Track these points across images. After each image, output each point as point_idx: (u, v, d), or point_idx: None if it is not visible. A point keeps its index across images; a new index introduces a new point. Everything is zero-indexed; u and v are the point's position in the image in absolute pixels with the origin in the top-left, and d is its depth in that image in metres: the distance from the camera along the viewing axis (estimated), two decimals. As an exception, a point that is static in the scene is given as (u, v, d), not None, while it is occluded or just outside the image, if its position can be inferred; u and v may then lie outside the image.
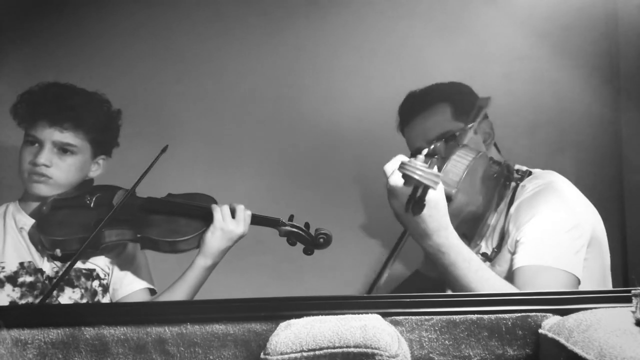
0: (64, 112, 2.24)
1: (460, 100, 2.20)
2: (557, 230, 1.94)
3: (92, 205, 2.26)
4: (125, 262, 2.29)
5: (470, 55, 2.81)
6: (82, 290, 2.21)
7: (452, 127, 2.15)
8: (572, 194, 2.04)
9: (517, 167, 2.15)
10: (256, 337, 1.54)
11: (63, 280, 2.18)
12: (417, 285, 2.38)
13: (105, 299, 2.24)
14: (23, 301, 2.17)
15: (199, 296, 2.21)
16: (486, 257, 2.06)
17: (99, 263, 2.25)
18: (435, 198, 1.66)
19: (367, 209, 2.99)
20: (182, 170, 2.86)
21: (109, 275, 2.26)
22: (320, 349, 1.37)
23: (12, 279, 2.19)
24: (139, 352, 1.56)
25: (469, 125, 2.04)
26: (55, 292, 2.18)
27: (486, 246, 2.11)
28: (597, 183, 2.74)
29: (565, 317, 1.46)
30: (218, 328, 1.55)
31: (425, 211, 1.60)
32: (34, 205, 2.28)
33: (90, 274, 2.23)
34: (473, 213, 2.01)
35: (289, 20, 2.97)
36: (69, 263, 2.08)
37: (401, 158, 1.66)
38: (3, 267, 2.20)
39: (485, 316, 1.52)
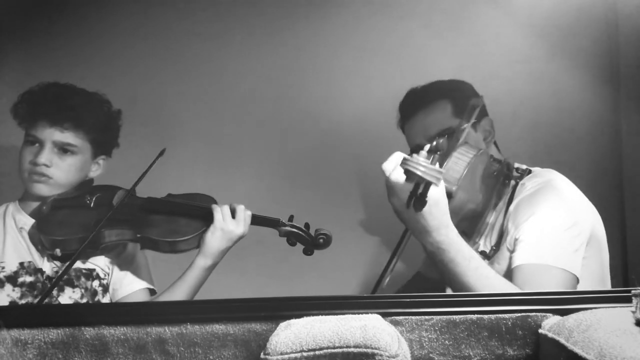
0: (64, 112, 2.25)
1: (461, 98, 2.20)
2: (556, 229, 1.94)
3: (92, 205, 2.26)
4: (125, 262, 2.29)
5: (470, 55, 2.81)
6: (82, 290, 2.21)
7: (453, 124, 2.15)
8: (571, 193, 2.05)
9: (516, 165, 2.15)
10: (256, 337, 1.54)
11: (63, 280, 2.18)
12: (419, 287, 2.38)
13: (106, 299, 2.24)
14: (23, 301, 2.17)
15: (199, 296, 2.21)
16: (485, 255, 2.06)
17: (99, 263, 2.25)
18: (437, 195, 1.65)
19: (367, 208, 2.99)
20: (182, 171, 2.86)
21: (109, 275, 2.26)
22: (320, 349, 1.37)
23: (12, 279, 2.19)
24: (139, 352, 1.56)
25: (463, 127, 2.04)
26: (55, 292, 2.18)
27: (485, 244, 2.11)
28: (597, 183, 2.74)
29: (565, 317, 1.46)
30: (218, 328, 1.55)
31: (425, 208, 1.60)
32: (34, 205, 2.28)
33: (90, 274, 2.23)
34: (473, 211, 2.01)
35: (289, 20, 2.97)
36: (67, 263, 2.08)
37: (399, 155, 1.66)
38: (3, 267, 2.20)
39: (485, 316, 1.52)
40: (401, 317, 1.53)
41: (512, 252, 1.97)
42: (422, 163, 1.51)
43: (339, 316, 1.47)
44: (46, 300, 2.14)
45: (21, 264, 2.21)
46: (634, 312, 1.40)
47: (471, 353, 1.52)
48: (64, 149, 2.25)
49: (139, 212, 2.23)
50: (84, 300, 2.20)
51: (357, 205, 3.00)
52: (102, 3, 3.00)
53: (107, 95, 2.36)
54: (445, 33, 2.86)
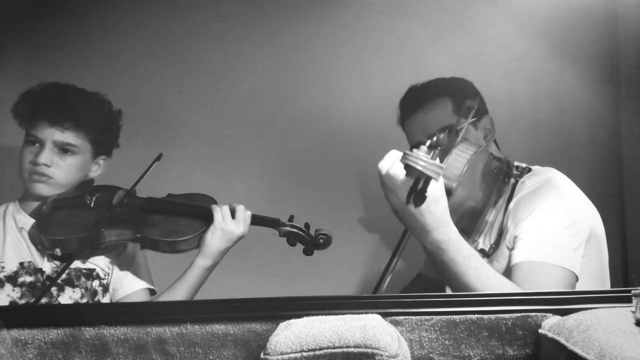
0: (65, 112, 2.25)
1: (461, 95, 2.20)
2: (555, 227, 1.94)
3: (92, 205, 2.26)
4: (125, 262, 2.29)
5: (470, 55, 2.81)
6: (82, 290, 2.21)
7: (453, 122, 2.15)
8: (571, 191, 2.05)
9: (516, 163, 2.15)
10: (256, 337, 1.54)
11: (63, 280, 2.18)
12: (421, 288, 2.38)
13: (106, 299, 2.24)
14: (23, 301, 2.17)
15: (199, 296, 2.21)
16: (484, 254, 2.06)
17: (99, 263, 2.25)
18: (436, 192, 1.64)
19: (367, 208, 2.99)
20: (182, 171, 2.86)
21: (109, 275, 2.26)
22: (320, 349, 1.37)
23: (12, 279, 2.19)
24: (139, 352, 1.56)
25: (459, 127, 2.04)
26: (55, 292, 2.18)
27: (484, 242, 2.11)
28: (597, 183, 2.74)
29: (565, 317, 1.46)
30: (218, 328, 1.55)
31: (424, 206, 1.59)
32: (34, 205, 2.28)
33: (90, 274, 2.23)
34: (472, 208, 2.01)
35: (289, 21, 2.97)
36: (65, 263, 2.08)
37: (395, 152, 1.66)
38: (3, 267, 2.20)
39: (485, 316, 1.52)
40: (401, 317, 1.53)
41: (511, 250, 1.97)
42: (422, 158, 1.50)
43: (339, 316, 1.47)
44: (46, 300, 2.15)
45: (21, 264, 2.21)
46: (634, 312, 1.40)
47: (471, 353, 1.52)
48: (64, 149, 2.25)
49: (139, 212, 2.23)
50: (84, 300, 2.20)
51: (357, 205, 3.00)
52: (102, 3, 3.00)
53: (107, 95, 2.36)
54: (445, 33, 2.86)
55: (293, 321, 1.48)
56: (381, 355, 1.35)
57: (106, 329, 1.57)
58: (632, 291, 1.44)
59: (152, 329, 1.56)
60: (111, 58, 3.00)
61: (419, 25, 2.89)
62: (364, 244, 2.96)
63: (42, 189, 2.24)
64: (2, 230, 2.26)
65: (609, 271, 2.09)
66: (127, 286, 2.26)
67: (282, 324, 1.48)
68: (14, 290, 2.18)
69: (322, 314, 1.49)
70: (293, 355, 1.37)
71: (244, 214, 2.19)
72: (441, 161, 1.61)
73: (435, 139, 1.59)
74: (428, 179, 1.52)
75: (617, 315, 1.40)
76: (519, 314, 1.51)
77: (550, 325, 1.46)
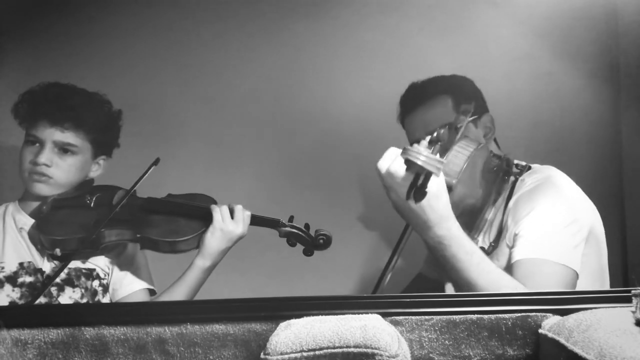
0: (65, 112, 2.25)
1: (462, 93, 2.20)
2: (556, 225, 1.94)
3: (92, 205, 2.26)
4: (125, 263, 2.29)
5: (470, 55, 2.81)
6: (82, 290, 2.21)
7: (453, 119, 2.15)
8: (570, 189, 2.05)
9: (516, 161, 2.15)
10: (256, 337, 1.54)
11: (63, 280, 2.18)
12: (421, 288, 2.38)
13: (106, 299, 2.24)
14: (22, 301, 2.17)
15: (199, 296, 2.21)
16: (483, 252, 2.05)
17: (99, 263, 2.25)
18: (437, 188, 1.63)
19: (367, 209, 2.99)
20: (182, 171, 2.86)
21: (108, 275, 2.26)
22: (320, 349, 1.37)
23: (11, 279, 2.19)
24: (139, 352, 1.56)
25: (459, 125, 2.04)
26: (55, 292, 2.18)
27: (483, 241, 2.10)
28: (597, 183, 2.74)
29: (565, 317, 1.46)
30: (218, 328, 1.55)
31: (425, 201, 1.59)
32: (34, 205, 2.28)
33: (90, 274, 2.23)
34: (472, 206, 2.02)
35: (289, 21, 2.97)
36: (62, 263, 2.08)
37: (394, 150, 1.65)
38: (3, 268, 2.20)
39: (485, 316, 1.52)
40: (401, 317, 1.53)
41: (511, 247, 1.97)
42: (423, 153, 1.50)
43: (339, 316, 1.47)
44: (46, 300, 2.15)
45: (21, 264, 2.21)
46: (634, 312, 1.40)
47: (471, 353, 1.52)
48: (64, 149, 2.25)
49: (139, 212, 2.23)
50: (84, 300, 2.20)
51: (357, 205, 3.00)
52: (102, 3, 3.00)
53: (107, 95, 2.36)
54: (445, 33, 2.86)
55: (293, 321, 1.48)
56: (381, 355, 1.35)
57: (106, 329, 1.57)
58: (632, 291, 1.44)
59: (152, 329, 1.56)
60: (111, 58, 3.00)
61: (419, 25, 2.89)
62: (364, 244, 2.96)
63: (42, 189, 2.24)
64: (1, 231, 2.26)
65: (608, 270, 2.09)
66: (127, 286, 2.26)
67: (282, 324, 1.48)
68: (13, 290, 2.18)
69: (322, 314, 1.49)
70: (293, 355, 1.37)
71: (243, 214, 2.19)
72: (441, 157, 1.61)
73: (435, 134, 1.59)
74: (428, 174, 1.51)
75: (617, 315, 1.40)
76: (519, 314, 1.51)
77: (550, 325, 1.46)
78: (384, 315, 1.51)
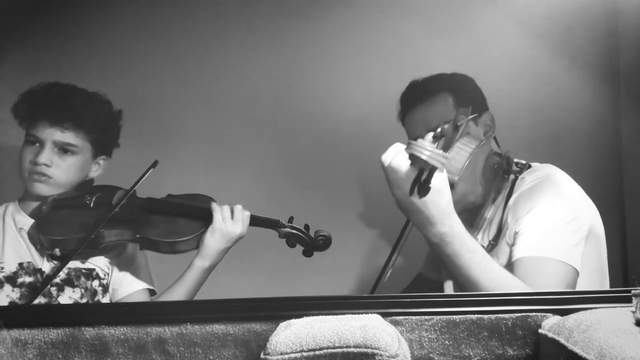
0: (65, 112, 2.25)
1: (462, 91, 2.20)
2: (556, 223, 1.94)
3: (91, 205, 2.26)
4: (125, 263, 2.29)
5: (470, 55, 2.81)
6: (82, 290, 2.21)
7: (453, 117, 2.14)
8: (570, 188, 2.05)
9: (515, 160, 2.15)
10: (256, 337, 1.54)
11: (62, 280, 2.18)
12: (420, 288, 2.38)
13: (105, 299, 2.24)
14: (22, 302, 2.16)
15: (199, 296, 2.21)
16: None
17: (99, 263, 2.25)
18: (440, 184, 1.63)
19: (367, 209, 2.99)
20: (182, 171, 2.86)
21: (108, 275, 2.26)
22: (320, 349, 1.37)
23: (11, 280, 2.19)
24: (139, 352, 1.56)
25: (459, 122, 2.04)
26: (55, 292, 2.18)
27: (482, 239, 2.10)
28: (597, 182, 2.74)
29: (565, 317, 1.46)
30: (218, 328, 1.55)
31: (428, 197, 1.58)
32: (34, 205, 2.28)
33: (90, 274, 2.23)
34: (472, 203, 2.02)
35: (289, 21, 2.97)
36: (61, 263, 2.08)
37: (399, 145, 1.65)
38: (2, 268, 2.20)
39: (485, 316, 1.52)
40: (401, 317, 1.53)
41: (512, 245, 1.97)
42: (427, 147, 1.49)
43: (339, 316, 1.47)
44: (46, 300, 2.15)
45: (20, 264, 2.21)
46: (634, 312, 1.40)
47: (471, 353, 1.52)
48: (64, 149, 2.25)
49: (138, 213, 2.23)
50: (84, 300, 2.20)
51: (357, 206, 3.00)
52: (102, 3, 3.00)
53: (107, 95, 2.36)
54: (445, 33, 2.86)
55: (293, 321, 1.48)
56: (381, 355, 1.35)
57: (106, 329, 1.57)
58: (632, 291, 1.44)
59: (152, 329, 1.56)
60: (112, 58, 3.00)
61: (419, 25, 2.89)
62: (364, 244, 2.96)
63: (42, 189, 2.24)
64: (1, 231, 2.26)
65: (607, 269, 2.09)
66: (127, 286, 2.26)
67: (282, 324, 1.48)
68: (13, 290, 2.18)
69: (322, 314, 1.49)
70: (293, 355, 1.37)
71: (242, 214, 2.19)
72: (445, 151, 1.60)
73: (440, 130, 1.58)
74: (433, 169, 1.50)
75: (617, 315, 1.40)
76: (519, 314, 1.51)
77: (550, 325, 1.46)
78: (384, 315, 1.51)
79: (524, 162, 2.14)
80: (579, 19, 2.75)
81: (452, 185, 1.73)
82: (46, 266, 2.21)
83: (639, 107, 2.70)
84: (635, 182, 2.75)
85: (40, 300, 2.14)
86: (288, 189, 2.96)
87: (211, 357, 1.55)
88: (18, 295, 2.18)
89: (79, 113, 2.26)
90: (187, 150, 2.97)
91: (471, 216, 2.10)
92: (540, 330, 1.48)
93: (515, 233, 1.97)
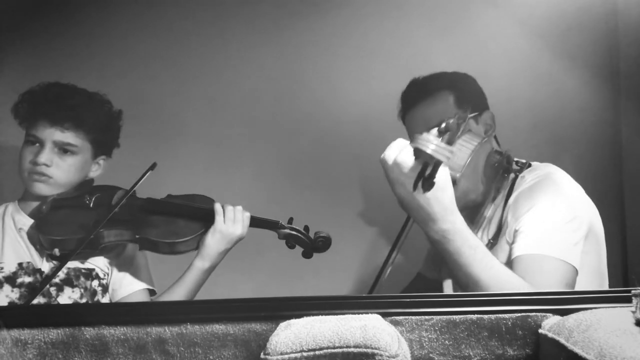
0: (65, 112, 2.24)
1: (463, 89, 2.20)
2: (556, 221, 1.94)
3: (91, 205, 2.26)
4: (125, 263, 2.29)
5: (470, 55, 2.80)
6: (82, 290, 2.21)
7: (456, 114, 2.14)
8: (570, 187, 2.05)
9: (516, 159, 2.15)
10: (256, 337, 1.54)
11: (62, 280, 2.18)
12: (420, 288, 2.38)
13: (105, 299, 2.24)
14: (21, 302, 2.16)
15: (199, 296, 2.21)
16: None
17: (98, 263, 2.25)
18: (443, 180, 1.62)
19: (367, 209, 2.99)
20: (182, 171, 2.86)
21: (108, 275, 2.26)
22: (320, 349, 1.37)
23: (10, 280, 2.19)
24: (139, 352, 1.56)
25: (459, 128, 2.04)
26: (54, 292, 2.18)
27: (481, 238, 2.10)
28: (597, 183, 2.74)
29: (565, 317, 1.46)
30: (218, 328, 1.55)
31: (430, 194, 1.57)
32: (34, 205, 2.28)
33: (90, 274, 2.23)
34: (473, 201, 2.02)
35: (290, 21, 2.97)
36: (60, 263, 2.08)
37: (402, 141, 1.64)
38: (2, 268, 2.20)
39: (485, 316, 1.52)
40: (401, 317, 1.53)
41: (511, 244, 1.97)
42: (433, 141, 1.48)
43: (339, 316, 1.47)
44: (45, 300, 2.15)
45: (20, 264, 2.20)
46: (634, 312, 1.40)
47: (471, 353, 1.52)
48: (64, 148, 2.25)
49: (138, 213, 2.23)
50: (84, 300, 2.20)
51: (357, 206, 3.00)
52: (102, 3, 3.00)
53: (107, 95, 2.36)
54: (445, 33, 2.86)
55: (293, 321, 1.48)
56: (381, 355, 1.35)
57: (106, 329, 1.57)
58: (632, 291, 1.44)
59: (152, 329, 1.56)
60: (112, 58, 3.00)
61: (419, 25, 2.89)
62: (364, 244, 2.96)
63: (42, 189, 2.24)
64: (1, 231, 2.26)
65: (607, 268, 2.09)
66: (127, 287, 2.26)
67: (282, 324, 1.48)
68: (12, 291, 2.18)
69: (322, 314, 1.49)
70: (293, 355, 1.37)
71: (242, 215, 2.19)
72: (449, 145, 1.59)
73: (444, 124, 1.57)
74: (438, 163, 1.50)
75: (617, 315, 1.40)
76: (519, 314, 1.51)
77: (550, 325, 1.46)
78: (384, 315, 1.51)
79: (524, 161, 2.15)
80: (579, 19, 2.75)
81: (454, 182, 1.73)
82: (45, 266, 2.21)
83: (639, 107, 2.70)
84: (635, 182, 2.75)
85: (39, 300, 2.14)
86: (288, 189, 2.96)
87: (211, 357, 1.55)
88: (17, 295, 2.18)
89: (79, 113, 2.26)
90: (187, 150, 2.97)
91: (471, 214, 2.11)
92: (540, 330, 1.48)
93: (515, 231, 1.97)
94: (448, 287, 2.14)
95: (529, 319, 1.51)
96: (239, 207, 2.20)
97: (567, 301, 1.52)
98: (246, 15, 3.00)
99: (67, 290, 2.20)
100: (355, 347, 1.36)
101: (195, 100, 3.02)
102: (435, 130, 1.54)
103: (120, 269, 2.27)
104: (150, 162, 2.22)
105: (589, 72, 2.81)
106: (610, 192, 2.80)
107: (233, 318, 1.55)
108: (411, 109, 2.24)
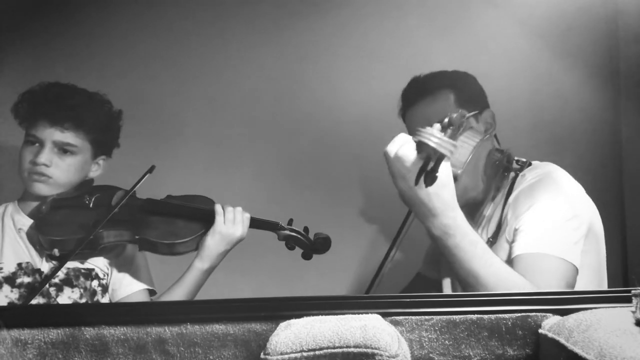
0: (65, 112, 2.24)
1: (464, 88, 2.20)
2: (556, 220, 1.94)
3: (91, 205, 2.26)
4: (124, 263, 2.28)
5: (470, 55, 2.81)
6: (81, 290, 2.21)
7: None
8: (570, 186, 2.05)
9: (516, 158, 2.15)
10: (256, 337, 1.54)
11: (61, 280, 2.18)
12: (420, 288, 2.38)
13: (105, 299, 2.24)
14: (21, 302, 2.16)
15: (199, 296, 2.21)
16: None
17: (98, 263, 2.25)
18: (445, 175, 1.63)
19: (367, 209, 2.99)
20: (182, 171, 2.86)
21: (108, 275, 2.26)
22: (320, 349, 1.37)
23: (10, 280, 2.18)
24: (139, 352, 1.56)
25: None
26: (54, 292, 2.18)
27: (481, 236, 2.10)
28: (597, 183, 2.73)
29: (565, 317, 1.46)
30: (218, 328, 1.55)
31: (432, 189, 1.58)
32: (33, 205, 2.28)
33: (89, 274, 2.23)
34: (473, 199, 2.02)
35: (290, 21, 2.97)
36: (59, 263, 2.08)
37: (404, 135, 1.64)
38: (1, 268, 2.19)
39: (485, 316, 1.52)
40: (401, 317, 1.53)
41: (511, 242, 1.97)
42: (436, 135, 1.48)
43: (339, 316, 1.47)
44: (45, 301, 2.15)
45: (19, 264, 2.20)
46: (634, 312, 1.40)
47: (471, 353, 1.52)
48: (64, 149, 2.25)
49: (138, 214, 2.23)
50: (83, 300, 2.20)
51: (357, 206, 3.00)
52: (102, 3, 3.00)
53: (107, 95, 2.36)
54: (445, 33, 2.86)
55: (293, 321, 1.48)
56: (381, 355, 1.35)
57: (106, 329, 1.57)
58: (632, 291, 1.44)
59: (152, 329, 1.56)
60: (112, 58, 3.00)
61: (419, 25, 2.89)
62: (364, 244, 2.96)
63: (42, 189, 2.24)
64: (0, 231, 2.26)
65: (606, 267, 2.09)
66: (127, 287, 2.26)
67: (282, 324, 1.48)
68: (12, 291, 2.18)
69: (322, 314, 1.49)
70: (293, 355, 1.37)
71: (242, 216, 2.19)
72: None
73: (447, 119, 1.57)
74: (440, 157, 1.50)
75: (617, 315, 1.40)
76: (519, 314, 1.51)
77: (550, 325, 1.46)
78: (384, 315, 1.51)
79: (524, 159, 2.15)
80: (579, 19, 2.75)
81: (455, 179, 1.73)
82: (45, 266, 2.21)
83: (639, 107, 2.70)
84: (635, 182, 2.75)
85: (39, 300, 2.14)
86: (288, 189, 2.96)
87: (211, 357, 1.55)
88: (17, 295, 2.18)
89: (79, 113, 2.26)
90: (187, 150, 2.97)
91: (471, 212, 2.10)
92: (540, 330, 1.48)
93: (515, 230, 1.97)
94: (447, 285, 2.14)
95: (529, 319, 1.51)
96: (239, 208, 2.20)
97: (567, 301, 1.52)
98: (246, 15, 3.00)
99: (67, 290, 2.20)
100: (355, 347, 1.36)
101: (195, 100, 3.02)
102: (438, 125, 1.54)
103: (120, 269, 2.27)
104: (150, 163, 2.22)
105: (589, 72, 2.81)
106: (610, 192, 2.80)
107: (233, 318, 1.55)
108: (412, 107, 2.24)
